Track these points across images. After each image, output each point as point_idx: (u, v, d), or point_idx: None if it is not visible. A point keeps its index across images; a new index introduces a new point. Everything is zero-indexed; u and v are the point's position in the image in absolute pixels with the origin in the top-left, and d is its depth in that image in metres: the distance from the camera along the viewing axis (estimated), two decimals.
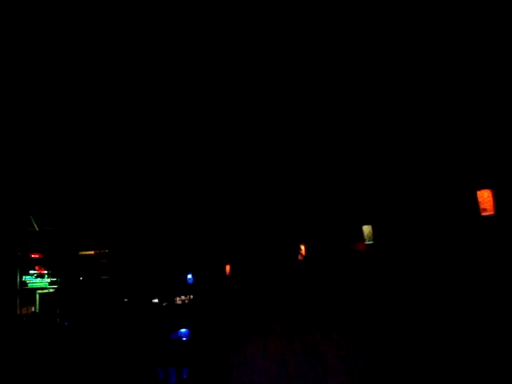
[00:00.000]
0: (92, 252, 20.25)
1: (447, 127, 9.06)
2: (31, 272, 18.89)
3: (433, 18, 7.16)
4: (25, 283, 18.69)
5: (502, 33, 7.06)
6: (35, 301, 19.09)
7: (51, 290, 19.39)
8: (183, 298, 20.64)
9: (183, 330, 17.77)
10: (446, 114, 8.96)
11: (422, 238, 10.17)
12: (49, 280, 19.33)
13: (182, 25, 7.38)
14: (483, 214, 8.86)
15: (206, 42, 7.85)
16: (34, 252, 18.96)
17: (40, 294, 19.23)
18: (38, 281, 19.05)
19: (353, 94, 9.85)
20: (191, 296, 19.62)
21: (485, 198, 8.91)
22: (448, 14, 7.05)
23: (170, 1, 6.95)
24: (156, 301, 20.79)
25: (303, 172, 12.26)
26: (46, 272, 19.18)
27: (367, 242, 11.68)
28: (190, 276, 19.16)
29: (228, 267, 16.38)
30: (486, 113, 8.36)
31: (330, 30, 7.63)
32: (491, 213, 8.77)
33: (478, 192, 8.95)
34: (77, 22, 7.22)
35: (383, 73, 8.93)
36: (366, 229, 11.64)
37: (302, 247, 13.13)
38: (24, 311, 18.92)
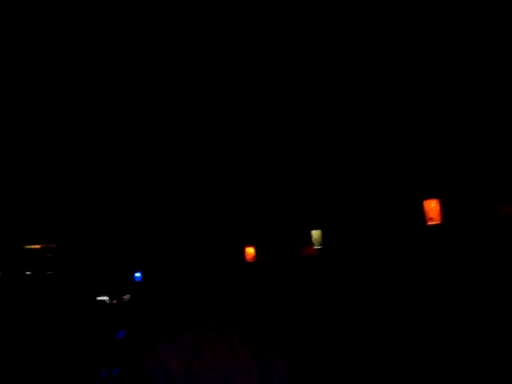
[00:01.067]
0: (38, 246, 19.61)
1: (394, 136, 9.14)
2: None
3: (432, 18, 7.21)
4: None
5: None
6: None
7: None
8: (129, 295, 20.36)
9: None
10: (392, 123, 9.03)
11: (370, 244, 10.26)
12: None
13: (181, 25, 7.27)
14: (429, 223, 9.00)
15: (206, 42, 7.75)
16: None
17: None
18: None
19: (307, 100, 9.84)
20: (138, 294, 19.34)
21: (432, 207, 9.06)
22: (448, 14, 7.09)
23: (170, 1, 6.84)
24: (105, 298, 20.45)
25: (253, 175, 12.21)
26: None
27: (316, 247, 11.72)
28: (138, 274, 18.87)
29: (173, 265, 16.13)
30: (431, 124, 8.47)
31: (329, 29, 7.61)
32: (437, 222, 8.93)
33: (425, 201, 9.09)
34: (77, 22, 7.03)
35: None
36: (316, 233, 11.70)
37: (252, 250, 13.07)
38: None
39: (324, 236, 11.46)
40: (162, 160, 13.75)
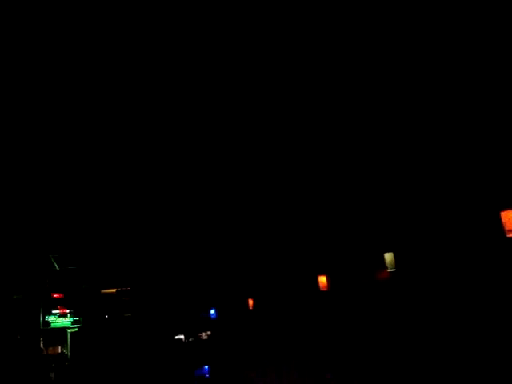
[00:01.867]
0: (114, 290, 20.20)
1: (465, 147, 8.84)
2: (54, 312, 18.90)
3: (432, 19, 7.09)
4: (48, 323, 18.68)
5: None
6: (62, 340, 19.07)
7: (75, 330, 19.33)
8: (208, 333, 20.54)
9: (207, 366, 17.52)
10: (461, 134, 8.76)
11: (446, 264, 9.84)
12: (71, 319, 19.28)
13: (182, 25, 7.40)
14: (509, 235, 8.53)
15: (206, 42, 7.86)
16: (56, 292, 18.99)
17: (71, 332, 19.24)
18: (61, 320, 19.02)
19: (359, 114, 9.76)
20: (214, 331, 19.46)
21: (509, 218, 8.60)
22: (448, 14, 6.96)
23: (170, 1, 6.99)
24: (182, 337, 20.70)
25: (323, 202, 12.12)
26: (68, 311, 19.16)
27: (390, 270, 11.35)
28: (212, 311, 18.97)
29: (251, 301, 16.16)
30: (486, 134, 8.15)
31: (329, 30, 7.59)
32: None
33: (502, 213, 8.63)
34: (77, 22, 7.27)
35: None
36: (388, 256, 11.35)
37: (324, 278, 12.86)
38: (51, 351, 18.88)
39: (397, 258, 11.10)
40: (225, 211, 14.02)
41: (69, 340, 19.05)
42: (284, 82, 8.94)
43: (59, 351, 19.05)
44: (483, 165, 8.93)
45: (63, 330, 19.04)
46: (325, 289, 13.11)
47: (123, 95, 9.31)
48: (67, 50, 7.87)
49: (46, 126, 10.11)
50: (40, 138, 10.44)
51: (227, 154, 11.35)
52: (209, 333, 20.10)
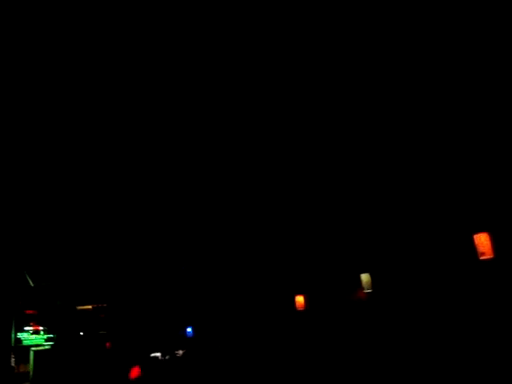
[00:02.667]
0: (90, 306, 19.84)
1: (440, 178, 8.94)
2: (26, 328, 18.41)
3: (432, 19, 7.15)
4: (19, 340, 18.17)
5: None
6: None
7: (47, 347, 18.85)
8: (183, 351, 20.27)
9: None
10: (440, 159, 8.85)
11: (422, 286, 9.89)
12: (45, 336, 18.82)
13: (182, 25, 7.37)
14: (481, 257, 8.60)
15: (206, 42, 7.82)
16: (29, 308, 18.52)
17: (35, 351, 18.67)
18: (34, 337, 18.53)
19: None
20: (191, 349, 19.22)
21: (482, 241, 8.65)
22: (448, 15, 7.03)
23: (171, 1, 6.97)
24: (158, 354, 20.41)
25: (300, 220, 12.10)
26: (41, 328, 18.70)
27: (366, 291, 11.39)
28: (189, 329, 18.78)
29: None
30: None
31: (329, 30, 7.62)
32: (490, 256, 8.50)
33: (475, 235, 8.71)
34: (77, 23, 7.22)
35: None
36: (365, 277, 11.39)
37: (301, 298, 12.82)
38: (22, 369, 18.36)
39: (373, 279, 11.14)
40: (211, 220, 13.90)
41: (31, 358, 18.51)
42: (284, 83, 8.92)
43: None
44: (456, 190, 9.04)
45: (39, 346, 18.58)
46: (302, 308, 13.06)
47: (122, 96, 9.25)
48: (68, 51, 7.83)
49: (33, 134, 10.00)
50: (20, 150, 10.31)
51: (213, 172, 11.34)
52: (185, 350, 19.85)
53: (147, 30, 7.70)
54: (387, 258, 10.67)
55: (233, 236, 13.70)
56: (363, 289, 11.36)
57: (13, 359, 18.02)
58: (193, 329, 18.66)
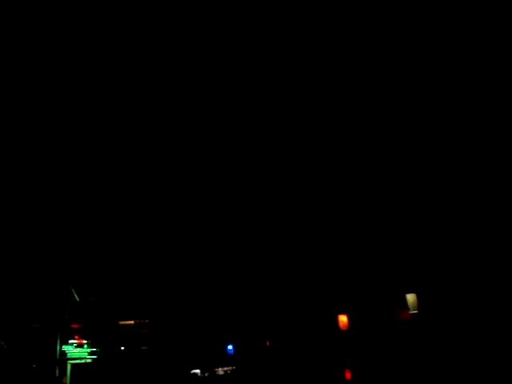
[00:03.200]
0: (132, 322, 20.10)
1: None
2: (71, 342, 18.79)
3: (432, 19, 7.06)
4: (64, 353, 18.54)
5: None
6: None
7: (88, 361, 19.17)
8: (225, 368, 20.21)
9: None
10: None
11: (470, 307, 9.64)
12: (88, 350, 19.15)
13: (182, 25, 7.42)
14: None
15: (206, 42, 7.85)
16: (74, 322, 18.89)
17: (72, 364, 19.03)
18: (78, 350, 18.88)
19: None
20: (233, 367, 19.18)
21: None
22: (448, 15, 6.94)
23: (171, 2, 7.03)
24: (197, 371, 20.43)
25: (344, 238, 12.01)
26: (85, 342, 19.03)
27: (412, 312, 11.17)
28: (230, 347, 18.77)
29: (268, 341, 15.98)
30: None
31: (330, 30, 7.57)
32: None
33: None
34: (78, 23, 7.34)
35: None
36: (411, 297, 11.19)
37: (345, 317, 12.66)
38: (65, 381, 18.73)
39: (420, 300, 10.93)
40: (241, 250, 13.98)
41: (68, 372, 18.83)
42: (283, 85, 8.91)
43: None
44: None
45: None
46: (345, 328, 12.90)
47: (122, 96, 9.38)
48: (68, 51, 7.97)
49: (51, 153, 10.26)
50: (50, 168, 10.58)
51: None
52: (226, 368, 19.81)
53: (147, 30, 7.77)
54: (436, 277, 10.47)
55: (276, 255, 13.70)
56: (408, 309, 11.17)
57: (57, 371, 18.41)
58: (234, 346, 18.66)
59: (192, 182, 11.23)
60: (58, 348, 18.53)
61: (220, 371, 20.35)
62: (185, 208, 12.89)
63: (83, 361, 19.15)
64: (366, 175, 10.74)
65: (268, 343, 15.71)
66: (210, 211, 12.83)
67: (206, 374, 20.61)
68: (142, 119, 9.82)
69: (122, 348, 20.07)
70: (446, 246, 10.25)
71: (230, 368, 19.34)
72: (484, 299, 9.29)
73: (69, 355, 18.82)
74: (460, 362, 9.40)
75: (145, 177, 11.26)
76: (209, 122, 9.83)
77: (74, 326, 18.87)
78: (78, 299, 18.64)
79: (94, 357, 19.22)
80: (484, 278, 9.36)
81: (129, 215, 13.18)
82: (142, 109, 9.63)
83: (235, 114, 9.56)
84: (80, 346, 19.00)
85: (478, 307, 9.30)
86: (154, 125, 9.94)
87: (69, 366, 18.95)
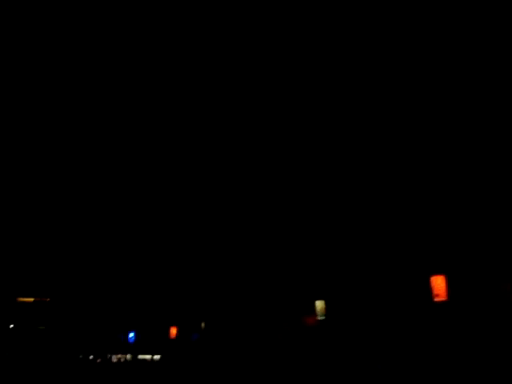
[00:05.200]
0: (31, 299, 19.23)
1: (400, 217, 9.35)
2: None
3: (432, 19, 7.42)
4: None
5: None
6: None
7: None
8: (119, 356, 19.79)
9: None
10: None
11: (375, 316, 10.22)
12: None
13: (182, 25, 7.41)
14: (436, 299, 9.05)
15: (206, 42, 7.86)
16: None
17: None
18: None
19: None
20: (129, 355, 18.91)
21: (438, 283, 9.13)
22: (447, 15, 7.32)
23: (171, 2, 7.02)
24: (90, 357, 19.91)
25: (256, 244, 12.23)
26: None
27: (319, 318, 11.65)
28: (131, 334, 18.48)
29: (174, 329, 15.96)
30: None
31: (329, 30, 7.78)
32: (443, 299, 8.96)
33: (432, 278, 9.16)
34: (78, 23, 7.18)
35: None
36: (319, 304, 11.64)
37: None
38: None
39: (328, 307, 11.44)
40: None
41: None
42: (284, 83, 9.01)
43: None
44: (416, 231, 9.48)
45: None
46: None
47: (122, 96, 9.15)
48: (68, 51, 7.73)
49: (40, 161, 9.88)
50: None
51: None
52: (119, 356, 19.42)
53: (147, 30, 7.74)
54: (343, 286, 10.99)
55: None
56: (317, 315, 11.64)
57: None
58: (136, 334, 18.42)
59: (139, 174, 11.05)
60: None
61: (114, 359, 19.94)
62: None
63: None
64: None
65: (172, 335, 15.70)
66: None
67: (98, 360, 20.15)
68: (141, 119, 9.64)
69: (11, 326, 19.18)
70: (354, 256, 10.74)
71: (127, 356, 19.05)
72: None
73: None
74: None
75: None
76: (209, 122, 9.79)
77: None
78: None
79: None
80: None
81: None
82: (140, 109, 9.45)
83: (235, 114, 9.59)
84: None
85: (383, 316, 9.92)
86: (152, 124, 9.79)
87: None
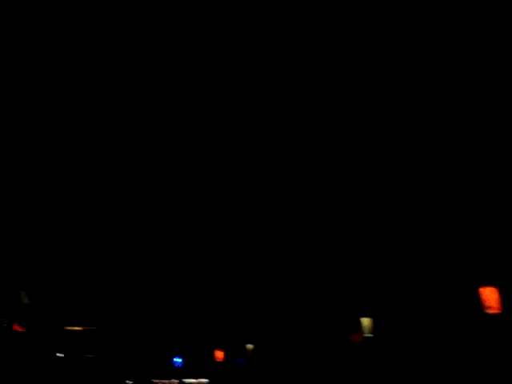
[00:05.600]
0: (80, 328, 19.51)
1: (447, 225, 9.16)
2: None
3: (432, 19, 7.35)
4: None
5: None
6: None
7: None
8: (164, 381, 19.75)
9: None
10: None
11: (425, 333, 9.99)
12: None
13: (182, 25, 7.48)
14: (488, 311, 8.73)
15: (206, 42, 7.91)
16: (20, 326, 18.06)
17: None
18: None
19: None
20: (178, 380, 18.92)
21: (488, 294, 8.80)
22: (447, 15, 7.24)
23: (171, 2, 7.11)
24: (130, 382, 19.99)
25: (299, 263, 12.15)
26: None
27: (366, 335, 11.44)
28: (179, 360, 18.49)
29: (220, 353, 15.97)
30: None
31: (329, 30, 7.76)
32: (496, 311, 8.63)
33: (481, 289, 8.86)
34: (78, 23, 7.32)
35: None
36: (366, 321, 11.45)
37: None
38: None
39: (375, 323, 11.23)
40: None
41: None
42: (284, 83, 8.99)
43: None
44: (464, 242, 9.26)
45: None
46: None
47: (121, 97, 9.27)
48: (68, 51, 7.89)
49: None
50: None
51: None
52: (171, 380, 19.41)
53: (147, 29, 7.81)
54: (392, 303, 10.80)
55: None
56: (363, 333, 11.44)
57: None
58: (183, 360, 18.47)
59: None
60: None
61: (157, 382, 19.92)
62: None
63: None
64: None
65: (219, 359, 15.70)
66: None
67: None
68: (141, 119, 9.79)
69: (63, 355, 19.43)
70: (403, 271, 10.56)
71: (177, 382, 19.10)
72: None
73: None
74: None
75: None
76: (208, 122, 9.88)
77: (18, 329, 18.13)
78: (27, 302, 17.93)
79: None
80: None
81: (84, 220, 12.94)
82: (139, 109, 9.57)
83: (235, 114, 9.65)
84: None
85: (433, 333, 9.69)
86: (152, 124, 9.93)
87: None
